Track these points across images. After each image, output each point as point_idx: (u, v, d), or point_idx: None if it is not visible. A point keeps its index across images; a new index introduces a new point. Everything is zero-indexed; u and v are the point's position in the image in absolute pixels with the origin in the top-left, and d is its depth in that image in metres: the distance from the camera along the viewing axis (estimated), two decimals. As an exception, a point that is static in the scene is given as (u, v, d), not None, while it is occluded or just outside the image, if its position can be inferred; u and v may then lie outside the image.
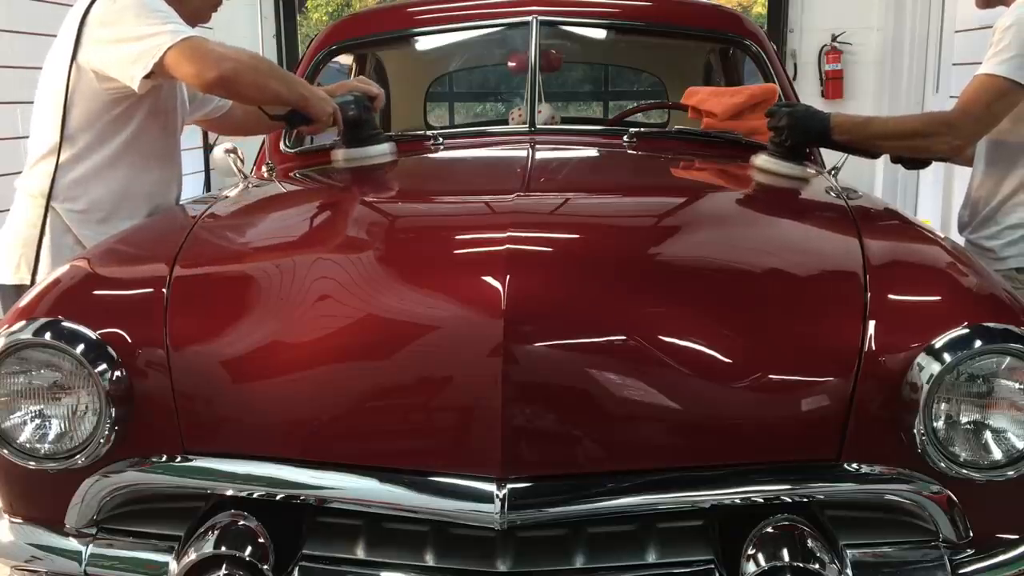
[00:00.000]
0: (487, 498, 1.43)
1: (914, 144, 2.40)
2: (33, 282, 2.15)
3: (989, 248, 2.52)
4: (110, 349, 1.57)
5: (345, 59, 3.34)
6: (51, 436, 1.57)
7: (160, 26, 2.09)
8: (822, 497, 1.53)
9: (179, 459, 1.58)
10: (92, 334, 1.57)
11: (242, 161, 2.65)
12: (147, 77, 2.11)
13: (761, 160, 2.40)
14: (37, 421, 1.57)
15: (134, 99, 2.22)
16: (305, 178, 2.60)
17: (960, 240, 2.62)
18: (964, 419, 1.50)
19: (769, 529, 1.48)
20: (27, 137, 2.36)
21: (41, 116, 2.28)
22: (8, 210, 2.33)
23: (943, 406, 1.48)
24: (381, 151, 2.49)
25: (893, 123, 2.49)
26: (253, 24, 6.70)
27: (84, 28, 2.15)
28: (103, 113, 2.23)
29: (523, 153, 2.39)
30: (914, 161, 2.58)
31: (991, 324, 1.50)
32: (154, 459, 1.58)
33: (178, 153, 2.50)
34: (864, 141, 2.38)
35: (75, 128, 2.22)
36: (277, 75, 2.27)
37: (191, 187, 5.87)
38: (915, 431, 1.47)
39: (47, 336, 1.56)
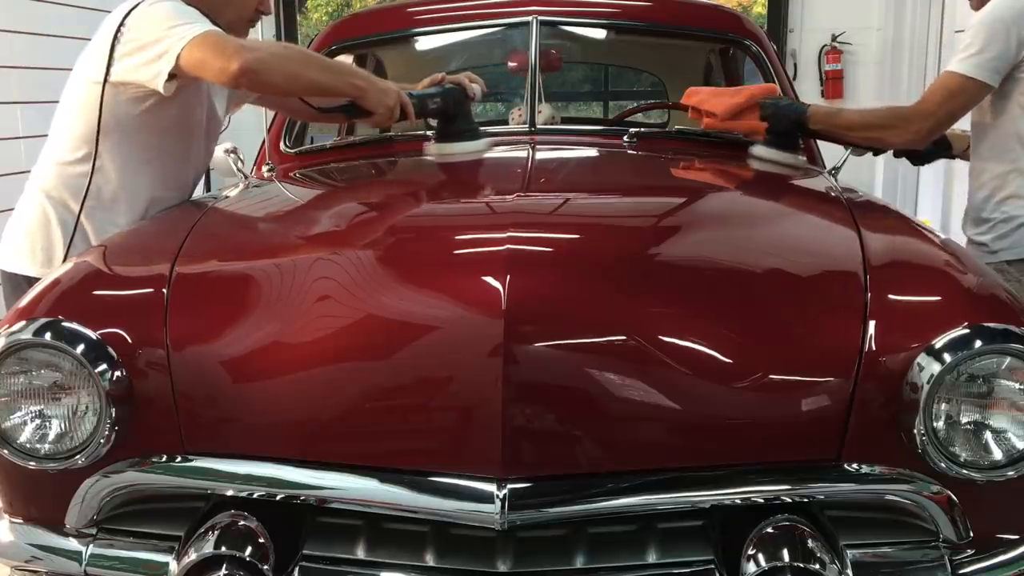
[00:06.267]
0: (487, 498, 1.43)
1: (871, 135, 2.51)
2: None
3: (982, 243, 2.57)
4: (110, 349, 1.57)
5: (345, 59, 3.34)
6: (51, 436, 1.57)
7: (183, 26, 2.02)
8: (822, 497, 1.53)
9: (179, 459, 1.58)
10: (92, 334, 1.57)
11: (242, 161, 2.65)
12: (172, 78, 2.04)
13: (758, 149, 2.51)
14: (37, 421, 1.57)
15: (157, 101, 2.15)
16: (305, 178, 2.60)
17: (963, 239, 2.65)
18: (964, 419, 1.50)
19: (769, 529, 1.48)
20: (27, 137, 2.34)
21: (65, 119, 2.23)
22: (8, 210, 2.32)
23: (943, 406, 1.48)
24: (473, 147, 2.43)
25: (857, 115, 2.59)
26: (253, 24, 6.70)
27: (117, 41, 2.09)
28: (128, 118, 2.17)
29: (523, 153, 2.39)
30: (915, 156, 2.64)
31: (991, 324, 1.50)
32: (154, 459, 1.58)
33: (197, 155, 2.42)
34: (833, 131, 2.49)
35: (101, 132, 2.16)
36: (318, 65, 2.18)
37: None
38: (915, 431, 1.47)
39: (47, 336, 1.56)
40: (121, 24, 2.10)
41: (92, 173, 2.18)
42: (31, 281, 2.14)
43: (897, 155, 2.71)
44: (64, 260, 2.15)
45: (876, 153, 2.63)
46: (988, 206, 2.56)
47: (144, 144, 2.23)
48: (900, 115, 2.51)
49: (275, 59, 2.07)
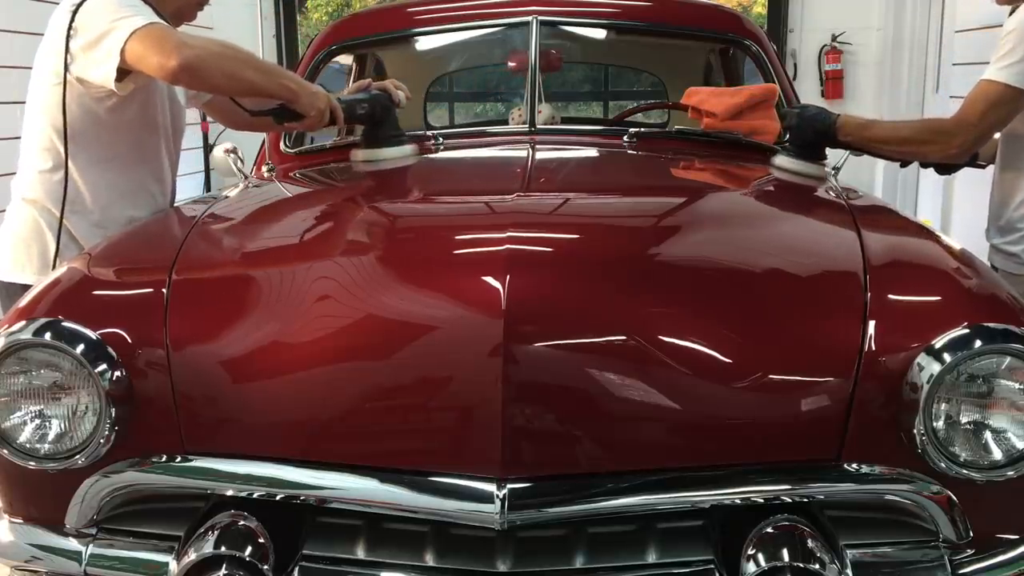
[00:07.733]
0: (487, 498, 1.43)
1: (908, 150, 2.44)
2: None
3: (1013, 253, 2.51)
4: (110, 349, 1.57)
5: (345, 59, 3.34)
6: (51, 436, 1.57)
7: (124, 20, 1.99)
8: (822, 497, 1.53)
9: (179, 459, 1.58)
10: (92, 334, 1.57)
11: (242, 161, 2.64)
12: (123, 77, 2.03)
13: (780, 159, 2.46)
14: (37, 421, 1.57)
15: (118, 100, 2.15)
16: (305, 178, 2.60)
17: (971, 243, 2.60)
18: (964, 419, 1.50)
19: (769, 529, 1.48)
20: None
21: (36, 123, 2.22)
22: (7, 210, 2.32)
23: (943, 406, 1.49)
24: (400, 153, 2.45)
25: (891, 128, 2.52)
26: (253, 24, 6.70)
27: (71, 38, 2.07)
28: (93, 117, 2.17)
29: (523, 153, 2.39)
30: (944, 166, 2.59)
31: (991, 324, 1.50)
32: (154, 459, 1.58)
33: (163, 151, 2.39)
34: (864, 143, 2.42)
35: (69, 135, 2.16)
36: (254, 65, 2.15)
37: (191, 187, 5.86)
38: (915, 431, 1.47)
39: (47, 336, 1.56)
40: (72, 20, 2.08)
41: (67, 178, 2.18)
42: (27, 289, 2.14)
43: (924, 165, 2.63)
44: (54, 265, 2.15)
45: (903, 165, 2.56)
46: (1018, 214, 2.49)
47: (113, 143, 2.23)
48: (940, 129, 2.41)
49: (214, 57, 2.04)
